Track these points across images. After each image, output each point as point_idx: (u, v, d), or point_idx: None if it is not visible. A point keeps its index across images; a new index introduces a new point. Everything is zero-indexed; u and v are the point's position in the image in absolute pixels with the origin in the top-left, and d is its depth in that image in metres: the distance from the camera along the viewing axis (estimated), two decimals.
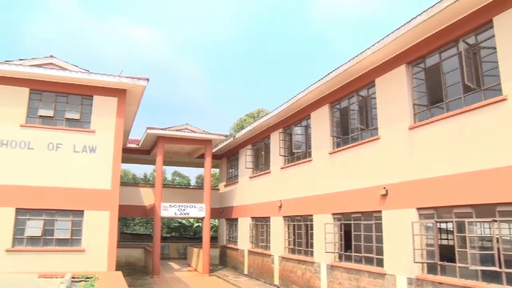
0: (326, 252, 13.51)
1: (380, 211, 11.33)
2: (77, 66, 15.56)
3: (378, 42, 10.91)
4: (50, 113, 14.68)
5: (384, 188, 11.09)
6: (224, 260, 25.06)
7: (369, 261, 11.81)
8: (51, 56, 15.63)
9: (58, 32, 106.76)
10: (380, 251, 11.33)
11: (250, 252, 20.69)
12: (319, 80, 13.88)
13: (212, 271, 21.71)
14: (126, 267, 21.77)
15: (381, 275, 10.98)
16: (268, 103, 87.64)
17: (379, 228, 11.42)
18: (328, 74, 13.33)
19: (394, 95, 11.16)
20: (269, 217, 18.67)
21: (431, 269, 9.58)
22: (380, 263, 11.30)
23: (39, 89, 14.71)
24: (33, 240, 13.80)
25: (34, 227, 13.84)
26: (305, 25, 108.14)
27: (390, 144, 11.18)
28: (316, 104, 15.32)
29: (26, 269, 12.85)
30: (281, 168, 17.84)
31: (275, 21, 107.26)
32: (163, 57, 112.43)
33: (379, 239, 11.36)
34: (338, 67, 12.73)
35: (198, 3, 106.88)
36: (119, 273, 13.41)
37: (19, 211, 13.83)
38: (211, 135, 22.03)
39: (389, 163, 11.16)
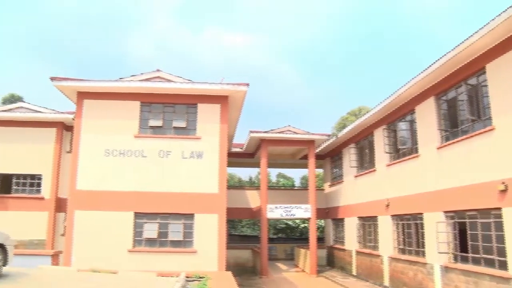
0: (439, 253, 12.75)
1: (499, 209, 10.39)
2: (181, 77, 16.43)
3: (487, 24, 10.07)
4: (159, 123, 15.69)
5: (503, 183, 10.15)
6: (331, 260, 24.78)
7: (489, 263, 10.87)
8: (158, 70, 16.69)
9: (157, 46, 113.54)
10: (502, 253, 10.37)
11: (357, 252, 20.23)
12: (423, 71, 13.17)
13: (320, 271, 21.56)
14: (235, 268, 22.43)
15: (506, 279, 9.95)
16: (369, 100, 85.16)
17: (499, 227, 10.48)
18: (432, 64, 12.59)
19: (509, 81, 10.21)
20: (376, 217, 18.11)
21: None
22: (503, 265, 10.30)
23: (149, 102, 15.80)
24: (150, 241, 14.85)
25: (150, 230, 14.89)
26: (398, 20, 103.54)
27: (507, 134, 10.24)
28: (420, 97, 14.56)
29: (145, 268, 13.75)
30: (387, 166, 17.22)
31: (367, 18, 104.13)
32: (260, 62, 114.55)
33: (500, 239, 10.42)
34: (443, 56, 11.96)
35: (291, 7, 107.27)
36: (229, 273, 13.82)
37: (137, 215, 14.98)
38: (314, 136, 21.94)
39: (507, 155, 10.21)
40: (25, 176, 19.72)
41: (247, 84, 15.40)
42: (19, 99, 36.11)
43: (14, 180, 19.71)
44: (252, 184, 45.74)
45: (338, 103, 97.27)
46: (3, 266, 9.29)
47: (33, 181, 19.69)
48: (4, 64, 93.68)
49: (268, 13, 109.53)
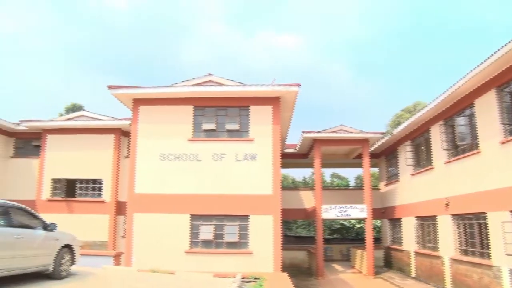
0: (507, 255, 12.12)
1: None
2: (232, 80, 16.62)
3: None
4: (212, 126, 15.94)
5: None
6: (388, 261, 24.18)
7: None
8: (209, 74, 16.98)
9: (209, 52, 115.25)
10: None
11: (416, 253, 19.62)
12: (483, 62, 12.54)
13: (377, 273, 21.10)
14: (290, 269, 22.35)
15: None
16: (424, 96, 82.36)
17: None
18: (494, 53, 11.96)
19: None
20: (435, 216, 17.49)
21: None
22: None
23: (202, 105, 16.11)
24: (206, 243, 15.12)
25: (206, 232, 15.17)
26: (449, 13, 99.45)
27: None
28: (480, 90, 13.90)
29: (202, 269, 14.01)
30: (445, 163, 16.60)
31: (418, 12, 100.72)
32: (311, 62, 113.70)
33: None
34: (507, 44, 11.31)
35: (338, 5, 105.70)
36: (285, 274, 13.81)
37: (193, 217, 15.31)
38: (367, 134, 21.53)
39: None
40: (87, 181, 20.63)
41: (299, 85, 15.36)
42: (80, 108, 37.80)
43: (77, 185, 20.67)
44: (306, 185, 45.49)
45: (392, 100, 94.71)
46: (71, 265, 9.77)
47: (94, 185, 20.56)
48: (66, 75, 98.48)
49: (318, 12, 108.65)
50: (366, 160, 21.83)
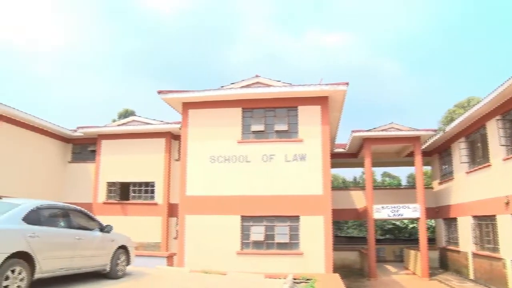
0: None
1: None
2: (280, 81, 16.64)
3: None
4: (261, 127, 16.02)
5: None
6: (444, 263, 23.38)
7: None
8: (257, 76, 17.08)
9: (256, 54, 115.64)
10: None
11: (474, 254, 18.86)
12: None
13: (432, 275, 20.42)
14: (342, 270, 22.07)
15: None
16: (478, 90, 79.11)
17: None
18: None
19: None
20: (494, 215, 16.75)
21: None
22: None
23: (250, 107, 16.22)
24: (257, 244, 15.20)
25: (257, 233, 15.25)
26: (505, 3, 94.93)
27: None
28: None
29: (253, 269, 14.04)
30: (504, 160, 15.87)
31: (469, 4, 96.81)
32: (360, 60, 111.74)
33: None
34: None
35: (387, 0, 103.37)
36: (337, 275, 13.65)
37: (243, 218, 15.44)
38: (419, 132, 20.97)
39: None
40: (140, 184, 21.25)
41: (347, 83, 15.17)
42: (132, 113, 38.99)
43: (131, 188, 21.34)
44: (357, 185, 44.86)
45: (444, 96, 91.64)
46: (127, 265, 10.08)
47: (147, 188, 21.14)
48: (118, 81, 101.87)
49: (366, 8, 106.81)
50: (418, 158, 21.25)
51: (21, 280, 6.55)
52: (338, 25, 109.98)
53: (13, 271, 6.39)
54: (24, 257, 6.66)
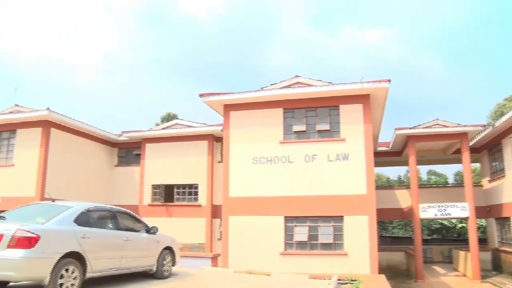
0: None
1: None
2: (320, 80, 16.52)
3: None
4: (303, 127, 15.95)
5: None
6: (497, 265, 22.46)
7: None
8: (297, 76, 17.03)
9: (294, 54, 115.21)
10: None
11: None
12: None
13: (484, 277, 19.59)
14: (388, 270, 21.64)
15: None
16: None
17: None
18: None
19: None
20: None
21: None
22: None
23: (291, 107, 16.18)
24: (301, 244, 15.14)
25: (300, 233, 15.19)
26: None
27: None
28: None
29: (297, 270, 13.99)
30: None
31: None
32: (401, 56, 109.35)
33: None
34: None
35: None
36: (382, 276, 13.40)
37: (287, 219, 15.42)
38: (466, 127, 20.26)
39: None
40: (184, 186, 21.61)
41: (389, 80, 14.88)
42: (174, 116, 39.74)
43: (175, 190, 21.74)
44: (401, 183, 43.98)
45: (491, 90, 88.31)
46: (172, 266, 10.27)
47: (191, 190, 21.47)
48: (160, 86, 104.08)
49: (403, 1, 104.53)
50: (465, 155, 20.54)
51: (74, 278, 6.88)
52: (375, 21, 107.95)
53: (67, 270, 6.73)
54: (76, 257, 6.98)
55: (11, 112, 20.12)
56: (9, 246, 6.21)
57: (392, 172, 53.94)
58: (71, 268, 6.81)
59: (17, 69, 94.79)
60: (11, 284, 7.15)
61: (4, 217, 7.21)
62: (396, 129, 20.58)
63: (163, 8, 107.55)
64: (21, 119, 19.36)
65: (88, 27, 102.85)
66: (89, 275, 7.24)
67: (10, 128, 19.75)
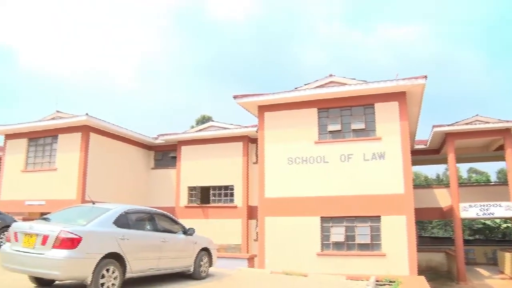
0: None
1: None
2: (354, 79, 16.32)
3: None
4: (337, 127, 15.80)
5: None
6: None
7: None
8: (330, 75, 16.89)
9: (328, 53, 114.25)
10: None
11: None
12: None
13: None
14: (427, 272, 21.06)
15: None
16: None
17: None
18: None
19: None
20: None
21: None
22: None
23: (325, 107, 16.06)
24: (337, 245, 15.00)
25: (337, 234, 15.04)
26: None
27: None
28: None
29: (334, 271, 13.87)
30: None
31: None
32: (437, 51, 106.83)
33: None
34: None
35: None
36: (422, 277, 13.13)
37: (323, 219, 15.29)
38: (509, 123, 19.55)
39: None
40: (219, 188, 21.79)
41: (425, 77, 14.53)
42: (209, 119, 40.12)
43: (211, 192, 21.94)
44: (440, 182, 42.97)
45: None
46: (209, 266, 10.36)
47: (226, 191, 21.62)
48: (195, 88, 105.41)
49: None
50: (509, 152, 19.79)
51: (115, 278, 7.10)
52: (409, 17, 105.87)
53: (107, 270, 6.96)
54: (116, 258, 7.18)
55: (53, 118, 20.84)
56: (54, 247, 6.48)
57: (430, 171, 52.74)
58: (111, 268, 7.01)
59: (60, 77, 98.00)
60: (56, 283, 7.42)
61: (48, 218, 7.50)
62: (434, 126, 20.09)
63: (199, 12, 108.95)
64: (62, 125, 20.02)
65: (125, 32, 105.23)
66: (128, 275, 7.43)
67: (52, 134, 20.50)
